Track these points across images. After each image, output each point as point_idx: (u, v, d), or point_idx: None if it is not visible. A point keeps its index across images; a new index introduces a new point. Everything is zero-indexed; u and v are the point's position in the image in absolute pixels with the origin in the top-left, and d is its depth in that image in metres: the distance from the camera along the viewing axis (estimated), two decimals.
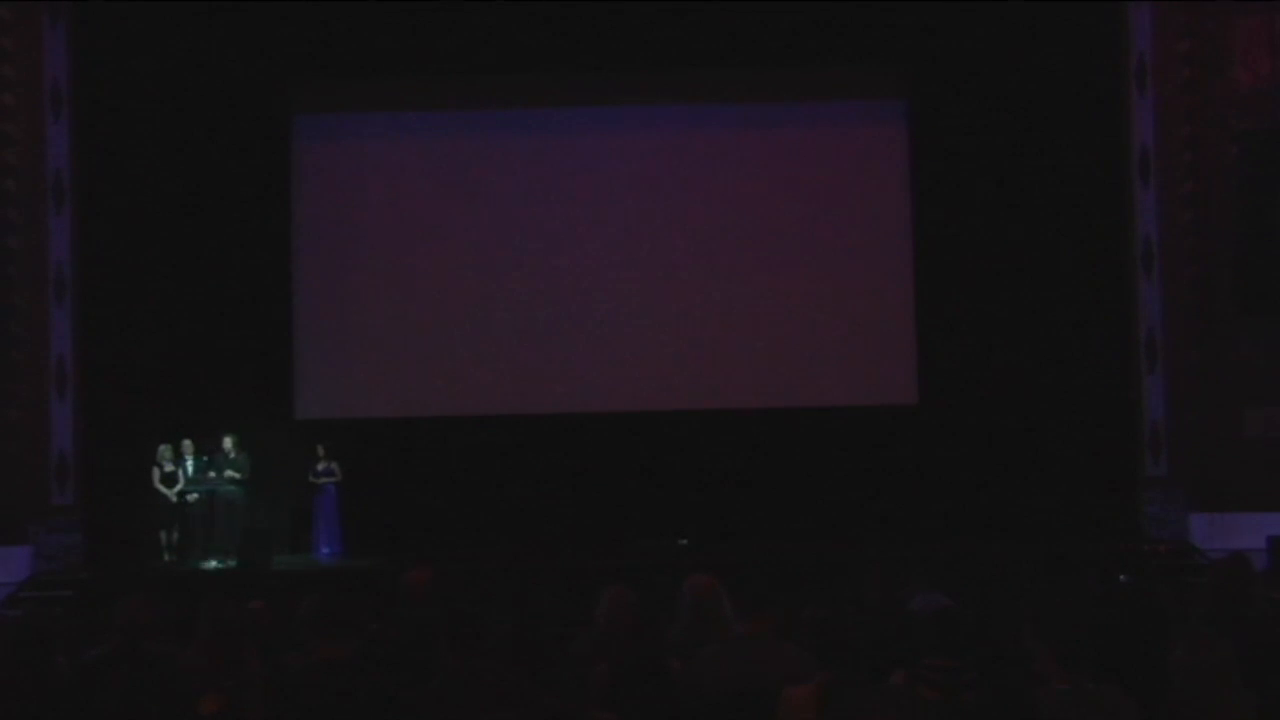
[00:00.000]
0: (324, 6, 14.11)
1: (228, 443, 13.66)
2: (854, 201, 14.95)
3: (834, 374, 14.76)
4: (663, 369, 14.80)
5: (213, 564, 13.23)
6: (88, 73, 14.00)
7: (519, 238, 14.90)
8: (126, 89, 14.23)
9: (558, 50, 14.46)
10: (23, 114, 13.50)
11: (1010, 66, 14.43)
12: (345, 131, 15.12)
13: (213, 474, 13.55)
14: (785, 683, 4.79)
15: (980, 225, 14.56)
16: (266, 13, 14.10)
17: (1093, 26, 14.18)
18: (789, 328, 14.80)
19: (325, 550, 14.13)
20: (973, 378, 14.48)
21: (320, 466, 14.20)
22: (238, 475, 13.58)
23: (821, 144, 15.08)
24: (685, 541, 14.09)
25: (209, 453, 13.69)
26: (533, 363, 14.81)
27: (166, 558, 13.53)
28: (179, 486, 13.56)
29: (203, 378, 14.22)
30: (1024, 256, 14.49)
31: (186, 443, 13.67)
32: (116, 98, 14.19)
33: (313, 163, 14.99)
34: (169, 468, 13.60)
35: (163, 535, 13.57)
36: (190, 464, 13.63)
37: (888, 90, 15.15)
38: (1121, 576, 8.75)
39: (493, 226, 14.91)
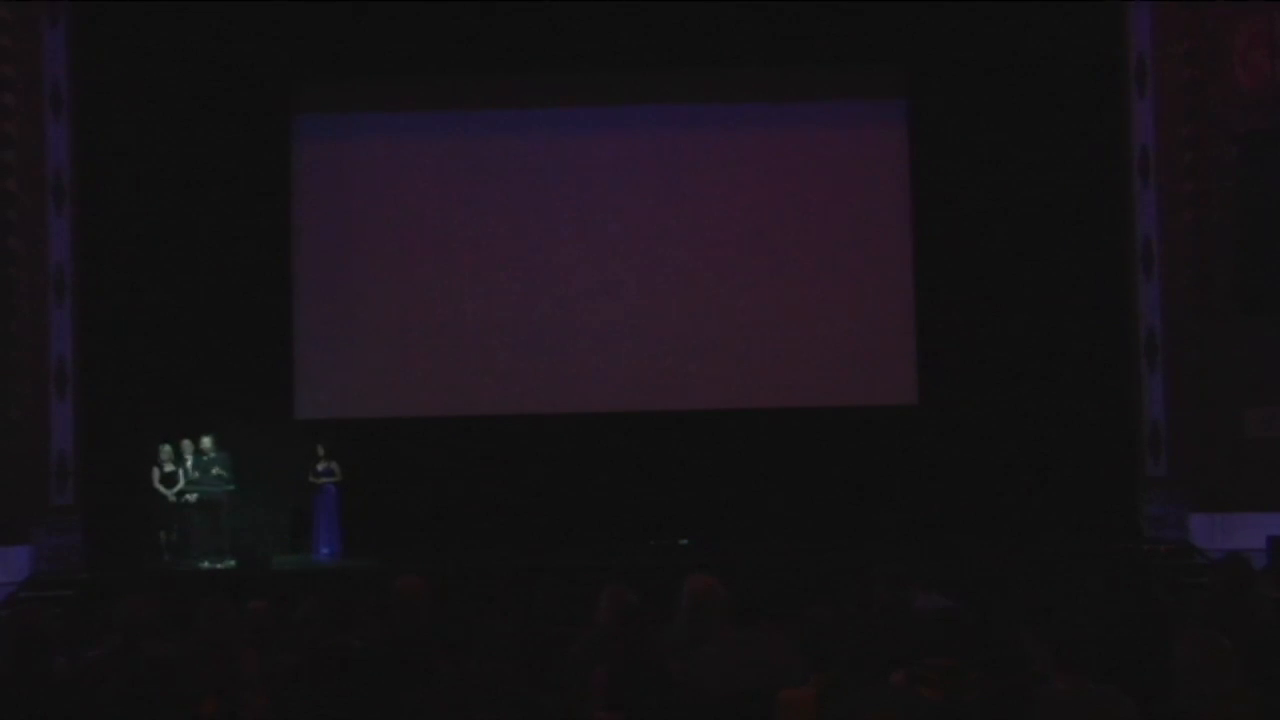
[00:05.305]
0: (324, 7, 14.12)
1: (206, 442, 13.63)
2: (854, 201, 14.96)
3: (834, 374, 14.76)
4: (663, 369, 14.80)
5: (205, 564, 13.22)
6: (88, 73, 13.99)
7: (519, 237, 14.91)
8: (126, 89, 14.22)
9: (558, 50, 14.46)
10: (23, 114, 13.48)
11: (1010, 67, 14.43)
12: (345, 131, 15.12)
13: (215, 471, 13.53)
14: (784, 683, 4.79)
15: (980, 225, 14.56)
16: (267, 13, 14.09)
17: (1093, 26, 14.17)
18: (789, 328, 14.80)
19: (325, 550, 14.13)
20: (973, 378, 14.49)
21: (320, 466, 14.21)
22: (224, 474, 13.56)
23: (821, 144, 15.08)
24: (685, 541, 14.10)
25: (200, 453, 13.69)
26: (532, 362, 14.81)
27: (166, 558, 13.53)
28: (178, 487, 13.56)
29: (203, 378, 14.20)
30: (1024, 256, 14.49)
31: (186, 443, 13.67)
32: (116, 98, 14.18)
33: (313, 163, 14.99)
34: (169, 468, 13.61)
35: (162, 535, 13.58)
36: (190, 464, 13.64)
37: (888, 90, 15.15)
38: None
39: (493, 226, 14.92)
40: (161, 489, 13.55)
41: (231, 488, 13.56)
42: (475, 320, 14.88)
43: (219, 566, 13.11)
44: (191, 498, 13.51)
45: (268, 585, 10.53)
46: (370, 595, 6.84)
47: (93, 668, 5.29)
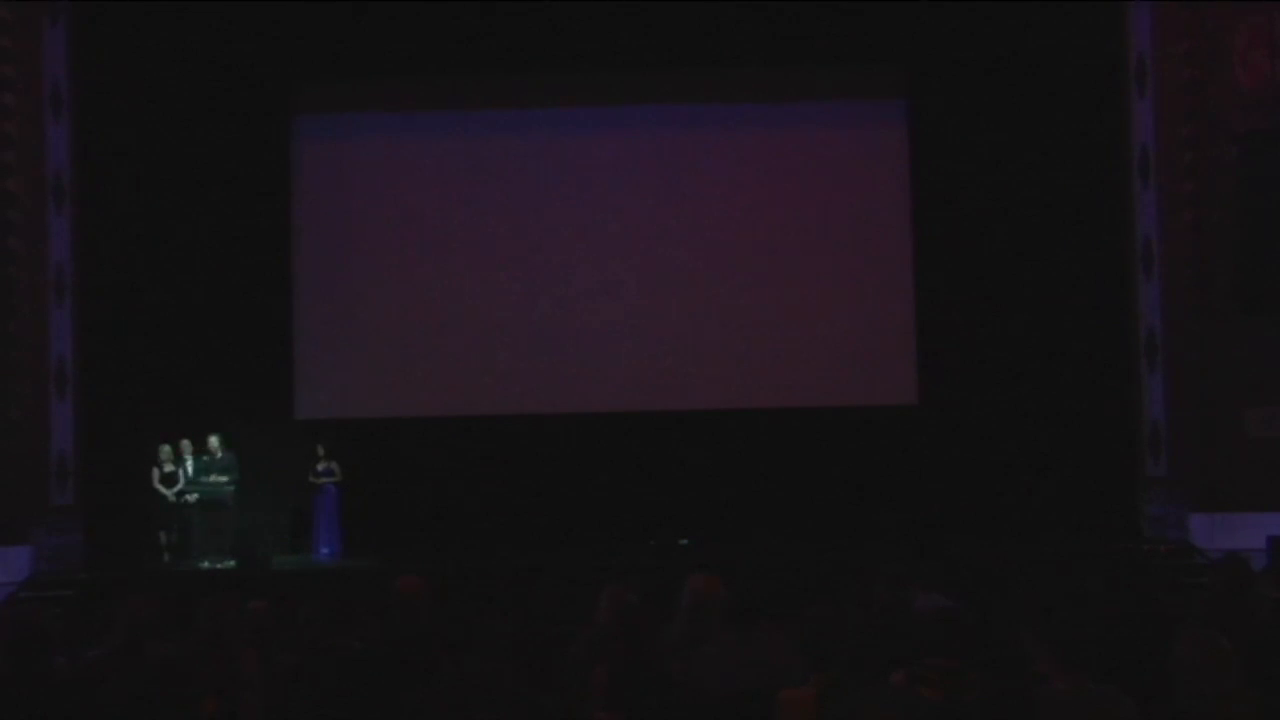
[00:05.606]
0: (324, 7, 14.11)
1: (213, 442, 13.63)
2: (854, 201, 14.95)
3: (834, 374, 14.76)
4: (663, 369, 14.80)
5: (205, 564, 13.21)
6: (88, 73, 13.98)
7: (519, 237, 14.91)
8: (126, 89, 14.22)
9: (558, 50, 14.46)
10: (23, 114, 13.49)
11: (1010, 67, 14.42)
12: (345, 131, 15.12)
13: (214, 476, 13.52)
14: (784, 683, 4.79)
15: (980, 225, 14.56)
16: (267, 13, 14.09)
17: (1093, 26, 14.16)
18: (789, 328, 14.80)
19: (325, 550, 14.13)
20: (973, 378, 14.49)
21: (320, 466, 14.22)
22: (224, 479, 13.54)
23: (821, 144, 15.08)
24: (685, 541, 14.09)
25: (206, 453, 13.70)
26: (532, 362, 14.81)
27: (166, 558, 13.53)
28: (178, 487, 13.56)
29: (203, 378, 14.21)
30: (1024, 256, 14.49)
31: (186, 443, 13.67)
32: (116, 98, 14.18)
33: (313, 163, 14.99)
34: (169, 468, 13.61)
35: (162, 535, 13.58)
36: (190, 464, 13.65)
37: (888, 90, 15.15)
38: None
39: (493, 226, 14.92)
40: (161, 489, 13.56)
41: (232, 489, 13.56)
42: (475, 320, 14.88)
43: (219, 566, 13.11)
44: (192, 498, 13.52)
45: (268, 585, 10.53)
46: (370, 595, 6.84)
47: (93, 668, 5.29)
